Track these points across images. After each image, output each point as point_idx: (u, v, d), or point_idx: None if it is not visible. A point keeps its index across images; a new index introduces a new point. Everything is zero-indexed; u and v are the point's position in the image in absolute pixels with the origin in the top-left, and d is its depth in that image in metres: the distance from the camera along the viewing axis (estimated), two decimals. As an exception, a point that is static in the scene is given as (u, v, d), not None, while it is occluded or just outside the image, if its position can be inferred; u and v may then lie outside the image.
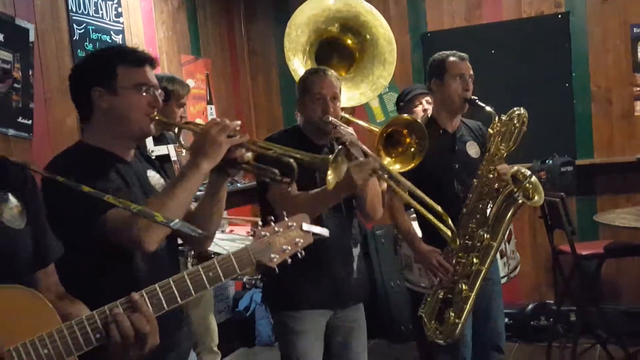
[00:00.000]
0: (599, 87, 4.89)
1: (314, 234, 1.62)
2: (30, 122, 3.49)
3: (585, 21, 4.88)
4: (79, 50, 3.81)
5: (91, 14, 3.94)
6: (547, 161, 4.72)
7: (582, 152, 4.89)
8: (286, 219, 1.60)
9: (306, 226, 1.60)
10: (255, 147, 1.98)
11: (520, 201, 2.87)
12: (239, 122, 1.92)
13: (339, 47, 3.31)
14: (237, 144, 1.88)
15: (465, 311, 2.93)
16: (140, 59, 1.94)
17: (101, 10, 4.03)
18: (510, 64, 5.00)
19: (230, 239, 3.72)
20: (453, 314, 2.94)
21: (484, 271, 2.94)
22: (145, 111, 1.93)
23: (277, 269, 1.55)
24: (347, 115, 2.90)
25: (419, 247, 3.04)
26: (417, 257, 3.10)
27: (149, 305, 1.39)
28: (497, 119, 2.99)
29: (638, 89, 4.80)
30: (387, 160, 2.64)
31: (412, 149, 2.69)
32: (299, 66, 3.16)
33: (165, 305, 1.42)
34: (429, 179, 2.88)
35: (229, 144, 1.86)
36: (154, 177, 2.06)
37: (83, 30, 3.87)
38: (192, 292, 1.44)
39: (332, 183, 2.14)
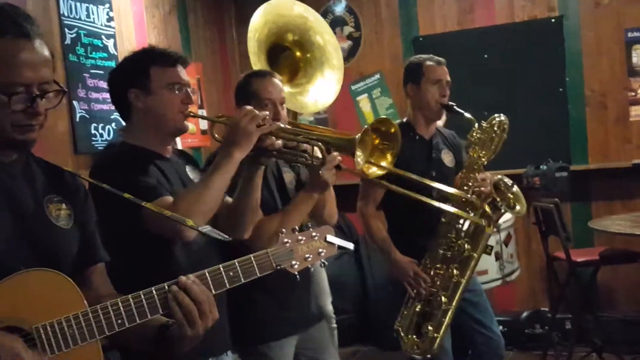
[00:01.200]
0: (593, 92, 4.88)
1: (338, 247, 1.65)
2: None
3: (579, 25, 4.87)
4: (70, 55, 3.77)
5: (83, 18, 3.90)
6: (541, 166, 4.71)
7: (576, 158, 4.88)
8: (311, 229, 1.63)
9: (330, 238, 1.64)
10: (284, 133, 2.07)
11: (502, 211, 2.82)
12: (267, 112, 2.05)
13: (286, 54, 3.32)
14: (267, 132, 1.97)
15: (444, 324, 2.85)
16: (171, 59, 2.06)
17: (93, 14, 3.99)
18: (503, 69, 4.99)
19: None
20: (431, 328, 2.85)
21: (463, 283, 2.85)
22: (179, 108, 2.04)
23: (298, 276, 1.58)
24: (296, 122, 2.83)
25: (395, 258, 2.94)
26: (393, 268, 2.97)
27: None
28: (476, 125, 2.92)
29: (633, 93, 4.79)
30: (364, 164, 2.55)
31: (380, 148, 2.57)
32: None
33: None
34: (406, 187, 2.83)
35: (259, 133, 1.95)
36: (192, 171, 2.18)
37: (74, 34, 3.83)
38: (212, 290, 1.50)
39: (360, 163, 2.17)
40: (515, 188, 2.90)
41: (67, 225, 1.53)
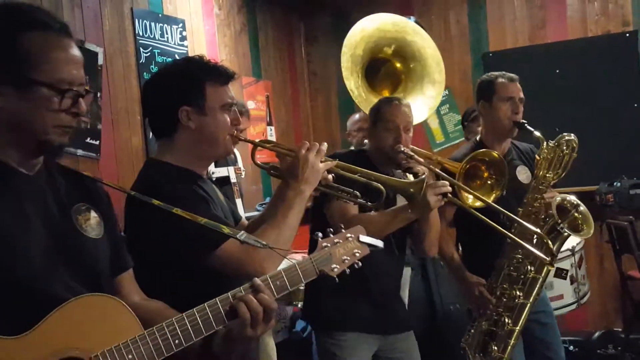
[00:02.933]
0: (669, 107, 4.71)
1: (370, 245, 1.65)
2: (97, 142, 3.60)
3: (654, 40, 4.72)
4: (145, 73, 3.92)
5: (157, 38, 4.05)
6: (615, 183, 4.57)
7: (651, 174, 4.71)
8: (344, 230, 1.63)
9: (363, 237, 1.64)
10: (342, 171, 2.02)
11: (565, 234, 2.74)
12: (325, 145, 1.94)
13: (387, 68, 3.32)
14: (329, 168, 1.93)
15: (510, 345, 2.80)
16: (225, 76, 1.91)
17: (166, 34, 4.14)
18: (575, 84, 4.88)
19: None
20: (496, 348, 2.81)
21: (528, 305, 2.80)
22: (230, 131, 1.91)
23: (337, 279, 1.57)
24: (416, 148, 2.87)
25: (462, 276, 2.92)
26: (461, 286, 2.97)
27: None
28: (544, 144, 2.86)
29: None
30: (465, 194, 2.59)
31: (490, 182, 2.63)
32: (355, 86, 3.16)
33: (224, 319, 1.46)
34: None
35: (325, 169, 1.91)
36: (218, 195, 2.05)
37: (149, 53, 3.98)
38: None
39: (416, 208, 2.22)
40: (583, 207, 2.79)
41: (98, 235, 1.47)
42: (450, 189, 2.34)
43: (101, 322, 1.35)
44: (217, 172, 3.58)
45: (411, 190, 2.21)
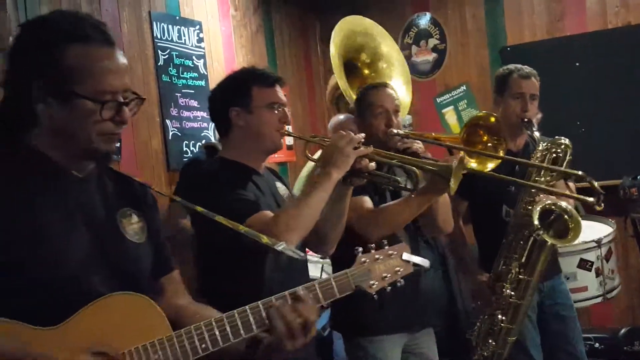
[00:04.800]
0: (692, 99, 4.63)
1: (414, 264, 1.62)
2: (118, 144, 3.62)
3: (677, 30, 4.65)
4: (163, 75, 3.93)
5: (175, 40, 4.07)
6: (638, 177, 4.50)
7: (676, 167, 4.63)
8: (387, 247, 1.61)
9: (407, 256, 1.61)
10: (379, 157, 2.14)
11: (549, 242, 2.70)
12: (362, 135, 2.11)
13: (356, 70, 3.43)
14: (363, 154, 2.04)
15: (509, 343, 2.83)
16: (271, 80, 2.17)
17: (184, 36, 4.15)
18: (595, 77, 4.80)
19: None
20: (495, 343, 2.85)
21: (525, 305, 2.81)
22: (277, 127, 2.15)
23: (375, 295, 1.56)
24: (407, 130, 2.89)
25: (470, 270, 3.01)
26: (471, 281, 3.03)
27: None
28: (541, 145, 2.83)
29: None
30: (473, 163, 2.58)
31: (492, 144, 2.60)
32: (345, 86, 3.28)
33: (254, 328, 1.47)
34: (477, 200, 2.80)
35: (356, 155, 2.03)
36: (281, 187, 2.27)
37: (167, 55, 4.00)
38: None
39: (454, 188, 2.22)
40: (572, 213, 2.71)
41: (140, 239, 1.52)
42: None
43: (132, 320, 1.39)
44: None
45: (443, 171, 2.22)
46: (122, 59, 1.42)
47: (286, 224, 1.89)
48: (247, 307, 1.43)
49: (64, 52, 1.34)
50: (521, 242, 2.79)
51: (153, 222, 1.58)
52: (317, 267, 3.53)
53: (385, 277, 1.57)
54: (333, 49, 3.31)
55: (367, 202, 2.50)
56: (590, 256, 3.59)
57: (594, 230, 3.72)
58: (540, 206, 2.69)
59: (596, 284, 3.45)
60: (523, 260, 2.79)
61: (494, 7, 5.19)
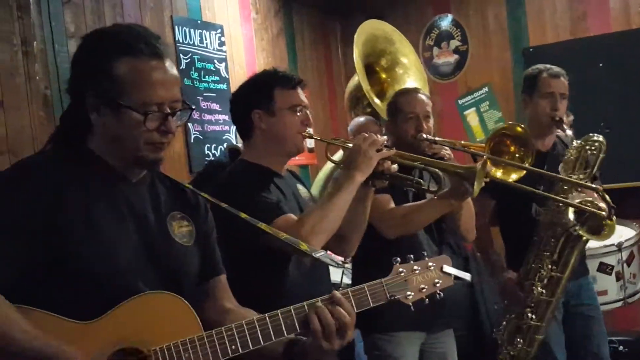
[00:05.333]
0: None
1: (455, 277, 1.59)
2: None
3: (702, 30, 4.59)
4: (185, 79, 3.97)
5: (196, 44, 4.11)
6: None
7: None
8: (427, 258, 1.59)
9: (447, 268, 1.58)
10: (402, 159, 2.13)
11: (584, 238, 2.69)
12: (385, 138, 2.11)
13: (375, 75, 3.46)
14: (386, 157, 2.04)
15: (537, 341, 2.82)
16: (293, 82, 2.16)
17: (205, 40, 4.19)
18: (619, 78, 4.75)
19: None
20: (523, 341, 2.84)
21: (554, 302, 2.81)
22: (299, 130, 2.15)
23: (413, 307, 1.55)
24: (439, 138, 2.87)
25: (499, 271, 2.99)
26: (500, 281, 3.02)
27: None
28: (575, 143, 2.84)
29: None
30: (499, 173, 2.59)
31: (519, 155, 2.63)
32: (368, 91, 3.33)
33: (285, 332, 1.48)
34: (506, 198, 2.79)
35: (379, 157, 2.03)
36: (302, 190, 2.27)
37: (189, 59, 4.04)
38: None
39: (477, 191, 2.21)
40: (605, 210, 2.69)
41: (188, 242, 1.57)
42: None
43: (166, 319, 1.43)
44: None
45: (465, 174, 2.23)
46: (171, 71, 1.47)
47: (312, 227, 1.89)
48: (278, 311, 1.45)
49: (114, 64, 1.42)
50: (552, 240, 2.79)
51: (202, 227, 1.63)
52: (338, 271, 3.53)
53: (423, 288, 1.54)
54: (356, 52, 3.33)
55: (389, 200, 2.52)
56: (611, 260, 3.55)
57: (615, 233, 3.68)
58: (576, 202, 2.69)
59: (616, 288, 3.42)
60: (555, 257, 2.79)
61: (516, 7, 5.16)
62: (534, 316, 2.82)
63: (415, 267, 1.55)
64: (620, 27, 4.83)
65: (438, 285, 1.56)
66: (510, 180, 2.58)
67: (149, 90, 1.42)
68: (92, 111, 1.44)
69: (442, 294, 1.57)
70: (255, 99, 2.15)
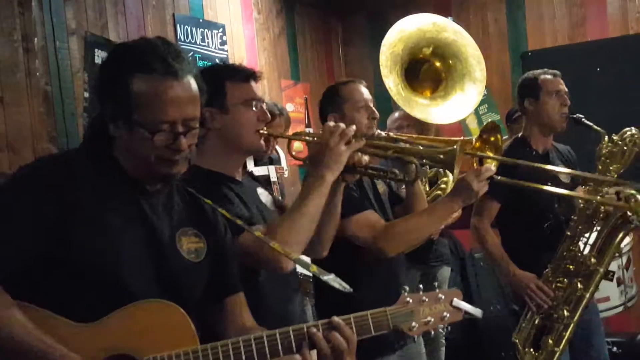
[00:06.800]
0: None
1: (465, 312, 1.51)
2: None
3: (699, 36, 4.62)
4: (185, 77, 3.99)
5: (198, 43, 4.13)
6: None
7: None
8: (437, 290, 1.52)
9: (457, 302, 1.51)
10: (372, 149, 1.94)
11: (634, 225, 2.69)
12: (354, 127, 1.87)
13: (427, 68, 3.33)
14: (356, 149, 1.85)
15: (565, 338, 2.79)
16: (245, 74, 1.93)
17: (207, 39, 4.21)
18: (617, 83, 4.80)
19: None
20: (552, 341, 2.79)
21: (587, 297, 2.78)
22: (256, 127, 1.90)
23: (415, 339, 1.49)
24: (390, 134, 2.76)
25: (514, 272, 2.89)
26: (513, 280, 2.91)
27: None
28: (606, 138, 2.86)
29: None
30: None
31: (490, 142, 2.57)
32: (394, 84, 3.17)
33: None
34: (528, 200, 2.79)
35: (349, 152, 1.82)
36: (263, 194, 2.05)
37: (190, 58, 4.05)
38: None
39: (456, 174, 2.02)
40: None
41: (196, 258, 1.55)
42: (494, 170, 2.20)
43: (162, 328, 1.41)
44: (257, 171, 3.61)
45: (440, 156, 2.01)
46: (187, 90, 1.45)
47: (283, 239, 1.70)
48: (277, 330, 1.43)
49: (131, 80, 1.42)
50: (586, 235, 2.77)
51: (216, 244, 1.61)
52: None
53: (429, 321, 1.48)
54: (385, 47, 3.18)
55: (376, 217, 2.32)
56: (612, 266, 3.56)
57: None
58: (625, 195, 2.67)
59: (617, 294, 3.43)
60: (594, 251, 2.75)
61: (516, 12, 5.20)
62: (568, 313, 2.77)
63: (424, 298, 1.48)
64: (618, 32, 4.87)
65: (446, 318, 1.49)
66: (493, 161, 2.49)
67: (161, 108, 1.42)
68: (110, 123, 1.46)
69: (449, 328, 1.50)
70: (206, 95, 1.86)
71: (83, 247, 1.39)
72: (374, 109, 2.40)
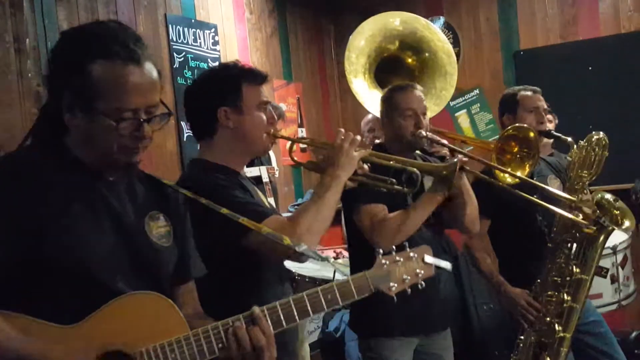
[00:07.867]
0: None
1: (436, 267, 1.59)
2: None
3: (691, 34, 4.64)
4: (178, 78, 3.98)
5: (190, 43, 4.12)
6: (650, 181, 4.49)
7: (688, 172, 4.62)
8: (408, 249, 1.59)
9: (429, 258, 1.58)
10: (375, 158, 2.08)
11: (609, 228, 2.70)
12: (359, 137, 2.02)
13: (398, 64, 3.35)
14: (364, 156, 2.00)
15: (562, 353, 2.75)
16: (260, 77, 2.03)
17: (199, 39, 4.20)
18: (608, 82, 4.81)
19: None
20: (549, 358, 2.77)
21: (578, 308, 2.75)
22: (266, 129, 2.02)
23: (395, 297, 1.55)
24: (436, 129, 2.87)
25: (506, 290, 2.90)
26: (504, 300, 2.93)
27: (269, 320, 1.46)
28: (574, 146, 2.87)
29: None
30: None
31: (520, 156, 2.62)
32: (361, 87, 3.21)
33: (284, 323, 1.47)
34: (509, 212, 2.80)
35: (359, 157, 1.97)
36: (257, 192, 2.12)
37: (182, 58, 4.05)
38: (310, 312, 1.48)
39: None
40: (620, 203, 2.78)
41: (166, 243, 1.53)
42: (466, 159, 2.37)
43: (151, 320, 1.41)
44: (249, 171, 3.59)
45: (444, 172, 2.23)
46: (149, 76, 1.41)
47: (308, 227, 1.82)
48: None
49: (90, 67, 1.36)
50: (569, 243, 2.78)
51: (180, 227, 1.59)
52: (330, 268, 3.54)
53: (406, 279, 1.55)
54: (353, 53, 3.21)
55: (381, 210, 2.46)
56: (606, 263, 3.57)
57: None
58: (596, 198, 2.70)
59: (611, 291, 3.44)
60: (577, 260, 2.75)
61: (508, 11, 5.21)
62: (560, 327, 2.75)
63: (398, 258, 1.56)
64: (609, 31, 4.88)
65: (420, 275, 1.57)
66: (506, 181, 2.57)
67: (123, 96, 1.37)
68: (65, 111, 1.40)
69: (423, 284, 1.58)
70: (221, 95, 1.98)
71: (51, 247, 1.35)
72: (421, 118, 2.57)
